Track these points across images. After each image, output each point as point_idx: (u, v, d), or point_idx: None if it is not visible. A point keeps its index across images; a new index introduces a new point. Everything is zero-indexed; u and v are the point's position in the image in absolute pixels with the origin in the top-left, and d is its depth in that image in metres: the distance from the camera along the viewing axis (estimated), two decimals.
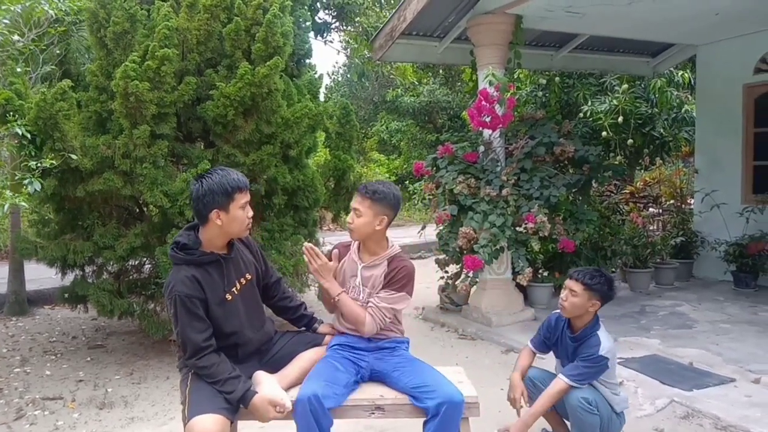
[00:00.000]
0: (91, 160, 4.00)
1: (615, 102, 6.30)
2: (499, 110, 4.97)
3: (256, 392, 2.17)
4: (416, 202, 13.22)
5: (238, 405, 2.17)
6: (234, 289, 2.31)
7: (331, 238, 4.43)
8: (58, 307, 6.27)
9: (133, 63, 3.86)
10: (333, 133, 5.46)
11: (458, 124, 14.73)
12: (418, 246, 9.46)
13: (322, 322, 2.69)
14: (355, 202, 2.43)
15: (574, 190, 5.48)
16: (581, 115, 6.96)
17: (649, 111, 7.45)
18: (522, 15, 5.11)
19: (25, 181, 3.57)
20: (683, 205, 7.59)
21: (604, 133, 6.10)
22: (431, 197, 5.48)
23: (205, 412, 2.06)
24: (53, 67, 4.73)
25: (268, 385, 2.21)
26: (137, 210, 4.75)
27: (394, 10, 5.79)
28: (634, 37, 6.43)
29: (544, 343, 2.94)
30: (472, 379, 2.54)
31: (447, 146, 5.29)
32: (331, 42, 14.21)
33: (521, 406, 2.78)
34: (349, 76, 18.71)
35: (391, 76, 12.80)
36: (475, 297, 5.39)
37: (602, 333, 2.70)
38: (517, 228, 4.79)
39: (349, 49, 10.91)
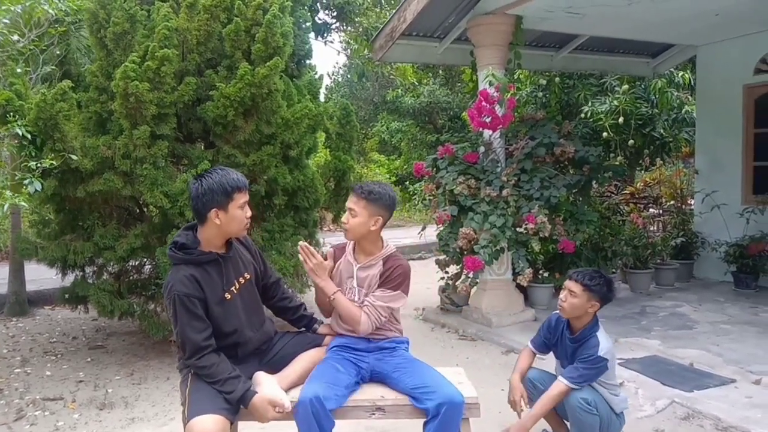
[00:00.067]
0: (91, 160, 4.00)
1: (615, 102, 6.29)
2: (499, 111, 4.97)
3: (256, 392, 2.17)
4: (416, 202, 13.26)
5: (238, 405, 2.16)
6: (233, 288, 2.31)
7: (331, 238, 4.43)
8: (59, 308, 6.27)
9: (133, 63, 3.87)
10: (333, 133, 5.46)
11: (458, 124, 14.75)
12: (418, 247, 9.47)
13: (322, 323, 2.68)
14: (351, 203, 2.44)
15: (574, 191, 5.49)
16: (581, 115, 6.96)
17: (650, 112, 7.46)
18: (522, 16, 5.11)
19: (26, 182, 3.57)
20: (683, 206, 7.59)
21: (604, 134, 6.10)
22: (431, 198, 5.48)
23: (206, 413, 2.05)
24: (53, 67, 4.73)
25: (267, 386, 2.21)
26: (137, 210, 4.75)
27: (394, 11, 5.79)
28: (634, 37, 6.43)
29: (545, 343, 2.93)
30: (472, 380, 2.54)
31: (447, 147, 5.29)
32: (331, 42, 14.24)
33: (521, 409, 2.77)
34: (349, 76, 18.73)
35: (392, 77, 12.79)
36: (475, 298, 5.39)
37: (601, 334, 2.69)
38: (518, 229, 4.79)
39: (349, 50, 10.91)
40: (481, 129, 5.13)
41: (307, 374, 2.35)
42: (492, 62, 5.16)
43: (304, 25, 5.45)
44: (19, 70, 4.25)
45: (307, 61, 5.52)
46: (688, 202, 7.67)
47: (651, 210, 8.61)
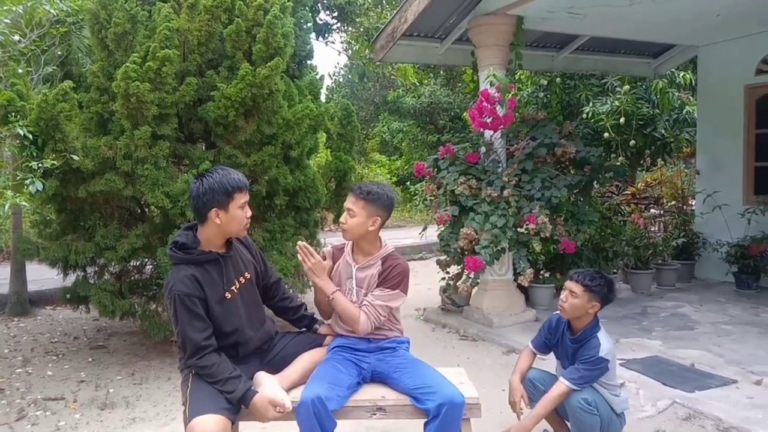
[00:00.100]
0: (92, 160, 4.00)
1: (616, 103, 6.29)
2: (500, 111, 4.97)
3: (257, 392, 2.18)
4: (417, 203, 13.25)
5: (238, 405, 2.17)
6: (233, 287, 2.32)
7: (332, 239, 4.42)
8: (60, 308, 6.28)
9: (134, 64, 3.87)
10: (334, 133, 5.47)
11: (459, 125, 14.75)
12: (419, 247, 9.47)
13: (323, 323, 2.68)
14: (349, 203, 2.44)
15: (575, 191, 5.49)
16: (582, 116, 6.95)
17: (651, 112, 7.44)
18: (523, 16, 5.11)
19: (27, 182, 3.58)
20: (685, 206, 7.58)
21: (605, 134, 6.10)
22: (432, 198, 5.48)
23: (207, 413, 2.06)
24: (55, 68, 4.73)
25: (268, 386, 2.22)
26: (139, 211, 4.76)
27: (395, 11, 5.79)
28: (636, 38, 6.43)
29: (545, 344, 2.93)
30: (473, 380, 2.54)
31: (448, 147, 5.29)
32: (332, 43, 14.25)
33: (521, 410, 2.77)
34: (350, 76, 18.74)
35: (392, 77, 12.81)
36: (476, 298, 5.39)
37: (602, 334, 2.69)
38: (519, 229, 4.79)
39: (350, 50, 10.91)
40: (482, 129, 5.13)
41: (308, 374, 2.35)
42: (493, 63, 5.16)
43: (305, 26, 5.46)
44: (20, 71, 4.25)
45: (308, 62, 5.53)
46: (690, 202, 7.65)
47: (652, 210, 8.60)
